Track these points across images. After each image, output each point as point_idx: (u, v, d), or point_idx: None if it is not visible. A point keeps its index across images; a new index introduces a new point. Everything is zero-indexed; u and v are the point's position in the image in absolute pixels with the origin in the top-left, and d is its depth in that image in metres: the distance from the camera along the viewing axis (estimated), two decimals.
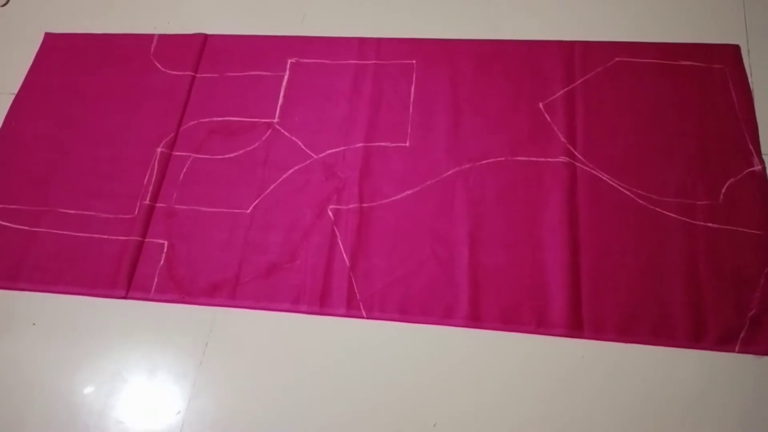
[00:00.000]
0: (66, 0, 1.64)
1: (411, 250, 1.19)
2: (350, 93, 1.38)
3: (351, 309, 1.15)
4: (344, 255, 1.20)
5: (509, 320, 1.11)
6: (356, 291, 1.16)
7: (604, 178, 1.22)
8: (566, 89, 1.32)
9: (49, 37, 1.56)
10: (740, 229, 1.15)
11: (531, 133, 1.28)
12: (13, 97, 1.47)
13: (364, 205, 1.24)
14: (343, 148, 1.31)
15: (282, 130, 1.35)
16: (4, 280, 1.23)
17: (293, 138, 1.34)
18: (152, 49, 1.49)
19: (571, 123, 1.28)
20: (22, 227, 1.29)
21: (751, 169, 1.20)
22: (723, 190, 1.19)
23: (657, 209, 1.18)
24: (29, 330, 1.19)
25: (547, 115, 1.29)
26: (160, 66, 1.46)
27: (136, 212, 1.27)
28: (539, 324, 1.10)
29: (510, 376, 1.08)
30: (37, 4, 1.65)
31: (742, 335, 1.06)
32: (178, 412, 1.09)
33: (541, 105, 1.31)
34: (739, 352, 1.06)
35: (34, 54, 1.54)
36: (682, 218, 1.16)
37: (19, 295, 1.22)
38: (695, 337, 1.07)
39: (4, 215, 1.31)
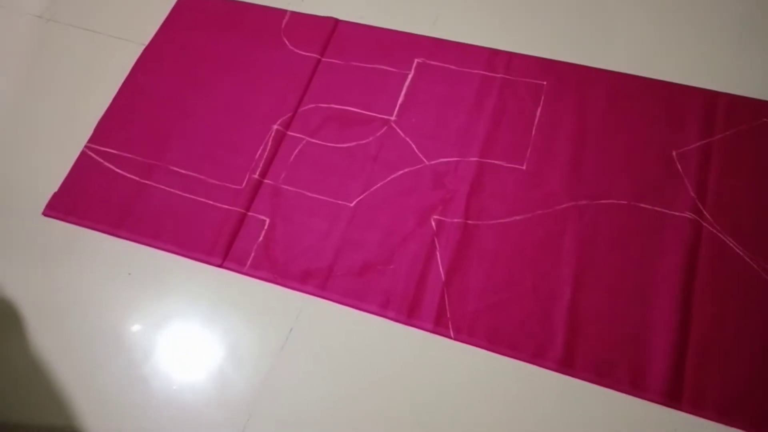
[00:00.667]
0: None
1: (510, 278, 1.15)
2: (473, 104, 1.34)
3: (439, 326, 1.12)
4: (441, 269, 1.17)
5: (603, 374, 1.05)
6: (447, 308, 1.13)
7: (731, 244, 1.14)
8: (704, 142, 1.24)
9: None
10: None
11: (658, 181, 1.21)
12: (143, 48, 1.51)
13: (470, 222, 1.21)
14: (456, 159, 1.28)
15: (397, 130, 1.33)
16: (109, 225, 1.27)
17: (407, 139, 1.31)
18: (283, 25, 1.50)
19: (704, 178, 1.20)
20: (133, 177, 1.32)
21: None
22: None
23: None
24: (124, 279, 1.22)
25: (679, 165, 1.22)
26: (288, 43, 1.47)
27: (243, 184, 1.28)
28: (634, 385, 1.04)
29: (592, 430, 1.03)
30: None
31: None
32: (251, 393, 1.09)
33: (674, 153, 1.23)
34: None
35: (169, 9, 1.57)
36: None
37: (122, 243, 1.25)
38: None
39: (117, 162, 1.34)
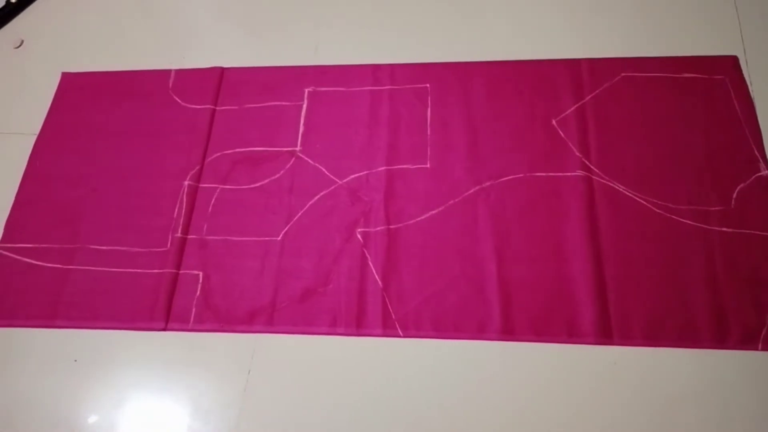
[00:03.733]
0: (80, 39, 1.68)
1: (440, 268, 1.23)
2: (368, 118, 1.42)
3: (387, 328, 1.19)
4: (376, 276, 1.23)
5: (541, 332, 1.15)
6: (391, 311, 1.20)
7: (621, 189, 1.27)
8: (577, 105, 1.37)
9: (66, 76, 1.59)
10: (753, 231, 1.20)
11: (546, 149, 1.33)
12: (35, 137, 1.50)
13: (391, 226, 1.28)
14: (366, 172, 1.36)
15: (305, 158, 1.39)
16: (43, 318, 1.25)
17: (317, 165, 1.38)
18: (170, 84, 1.53)
19: (584, 137, 1.33)
20: (56, 266, 1.31)
21: (759, 174, 1.26)
22: (734, 196, 1.24)
23: (673, 217, 1.23)
24: (72, 367, 1.21)
25: (560, 131, 1.35)
26: (179, 100, 1.50)
27: (168, 245, 1.30)
28: (570, 334, 1.14)
29: (545, 384, 1.12)
30: (51, 44, 1.68)
31: (763, 333, 1.11)
32: None
33: (554, 122, 1.36)
34: (762, 350, 1.11)
35: (52, 94, 1.57)
36: (698, 224, 1.22)
37: (59, 332, 1.24)
38: (719, 339, 1.12)
39: (36, 254, 1.33)
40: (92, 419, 1.16)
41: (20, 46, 1.69)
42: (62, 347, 1.23)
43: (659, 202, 1.25)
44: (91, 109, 1.53)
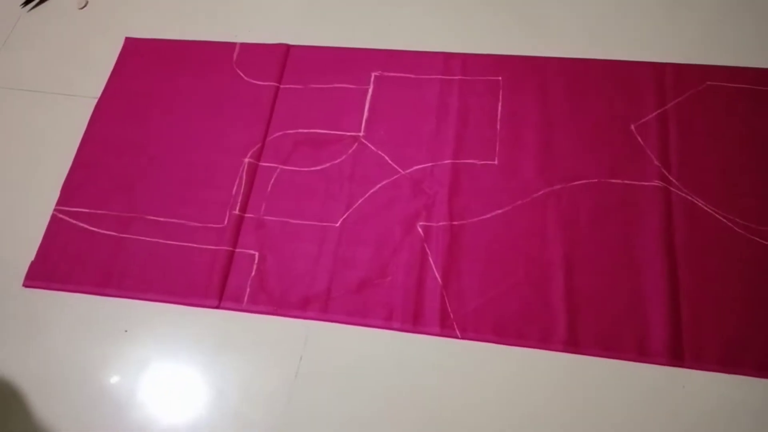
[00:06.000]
0: (145, 4, 1.65)
1: (504, 271, 1.18)
2: (436, 108, 1.37)
3: (445, 328, 1.14)
4: (436, 273, 1.19)
5: (609, 347, 1.10)
6: (449, 310, 1.16)
7: (700, 204, 1.20)
8: (658, 111, 1.31)
9: (129, 41, 1.57)
10: None
11: (624, 155, 1.27)
12: (95, 101, 1.48)
13: (455, 222, 1.24)
14: (430, 164, 1.31)
15: (368, 144, 1.35)
16: (94, 285, 1.24)
17: (379, 152, 1.34)
18: (235, 58, 1.50)
19: (665, 146, 1.27)
20: (111, 233, 1.30)
21: None
22: None
23: (756, 239, 1.16)
24: (121, 336, 1.19)
25: (639, 138, 1.28)
26: (243, 75, 1.47)
27: (225, 222, 1.28)
28: (640, 352, 1.09)
29: (610, 402, 1.07)
30: (116, 7, 1.66)
31: None
32: (273, 427, 1.09)
33: (633, 127, 1.29)
34: None
35: (114, 58, 1.55)
36: None
37: (112, 301, 1.22)
38: None
39: (92, 220, 1.31)
40: (138, 392, 1.14)
41: (84, 6, 1.67)
42: (113, 316, 1.21)
43: (741, 222, 1.18)
44: (154, 77, 1.50)
